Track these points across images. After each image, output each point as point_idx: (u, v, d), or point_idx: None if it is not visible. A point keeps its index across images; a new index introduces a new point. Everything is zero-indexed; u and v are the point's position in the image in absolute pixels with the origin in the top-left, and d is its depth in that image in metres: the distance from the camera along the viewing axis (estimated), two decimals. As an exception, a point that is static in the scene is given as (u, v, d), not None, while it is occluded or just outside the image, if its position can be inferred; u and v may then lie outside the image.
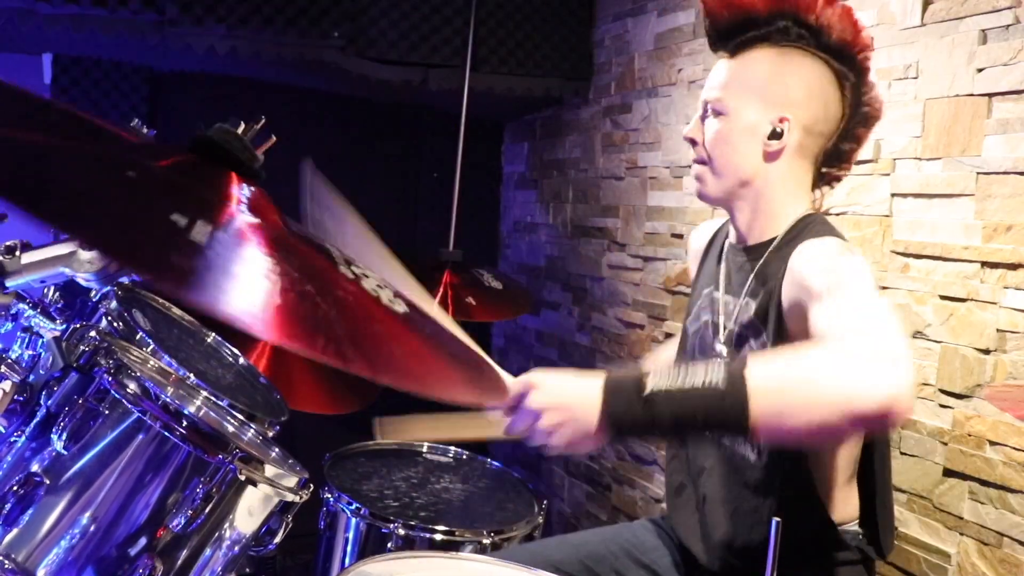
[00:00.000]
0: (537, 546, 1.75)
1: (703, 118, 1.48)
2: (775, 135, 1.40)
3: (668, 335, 2.53)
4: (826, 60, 1.40)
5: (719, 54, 1.49)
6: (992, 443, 1.59)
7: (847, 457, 1.42)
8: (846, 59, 1.40)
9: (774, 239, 1.43)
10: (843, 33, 1.38)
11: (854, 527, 1.44)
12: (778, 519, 0.94)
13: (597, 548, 1.62)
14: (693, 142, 1.48)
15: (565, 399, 1.16)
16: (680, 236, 2.50)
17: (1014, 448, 1.55)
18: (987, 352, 1.60)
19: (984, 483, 1.60)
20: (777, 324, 1.34)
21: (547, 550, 1.63)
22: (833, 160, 1.46)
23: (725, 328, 1.48)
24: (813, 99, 1.40)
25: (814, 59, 1.41)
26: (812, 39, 1.40)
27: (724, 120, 1.43)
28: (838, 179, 1.50)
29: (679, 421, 1.09)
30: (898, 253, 1.77)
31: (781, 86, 1.40)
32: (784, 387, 1.06)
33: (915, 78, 1.74)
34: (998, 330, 1.58)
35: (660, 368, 1.12)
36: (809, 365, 1.07)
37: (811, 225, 1.40)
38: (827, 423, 1.04)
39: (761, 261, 1.42)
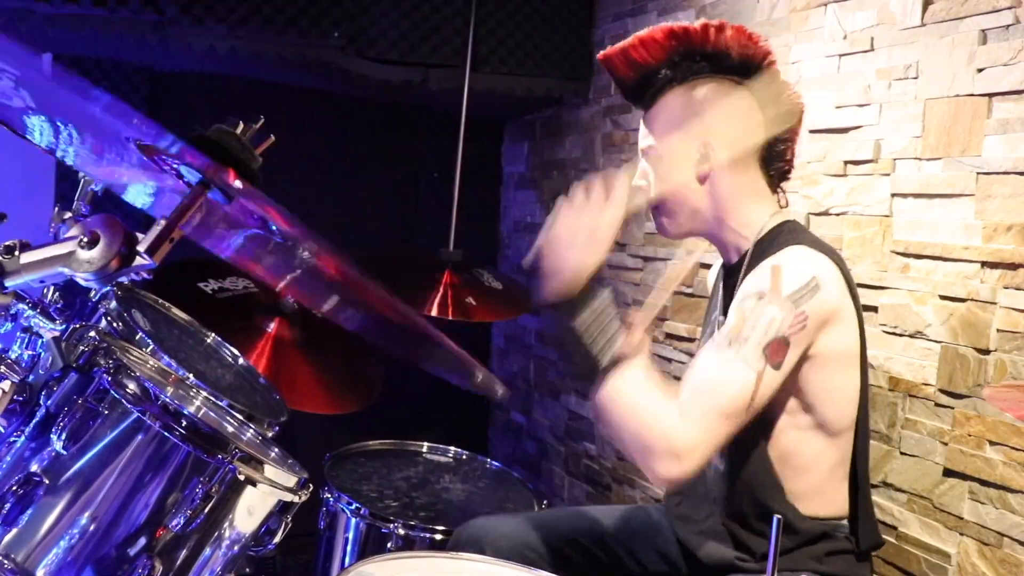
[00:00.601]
0: (550, 515, 1.74)
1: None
2: (703, 159, 1.49)
3: (668, 335, 2.53)
4: (731, 79, 1.49)
5: (639, 107, 1.59)
6: (992, 443, 1.59)
7: (836, 459, 1.47)
8: (751, 71, 1.48)
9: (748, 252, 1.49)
10: (743, 50, 1.47)
11: (844, 522, 1.49)
12: (779, 516, 0.95)
13: (613, 524, 1.69)
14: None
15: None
16: (680, 236, 2.50)
17: (1014, 448, 1.55)
18: (987, 352, 1.60)
19: (984, 483, 1.60)
20: None
21: (560, 521, 1.68)
22: (774, 161, 1.53)
23: None
24: (728, 117, 1.49)
25: (720, 81, 1.49)
26: (714, 65, 1.48)
27: (658, 164, 1.54)
28: (787, 175, 1.56)
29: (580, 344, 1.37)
30: (898, 253, 1.77)
31: (695, 116, 1.49)
32: (617, 407, 1.35)
33: (915, 78, 1.74)
34: (998, 330, 1.58)
35: (610, 318, 1.37)
36: (637, 408, 1.33)
37: (780, 236, 1.46)
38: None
39: (740, 278, 1.47)
